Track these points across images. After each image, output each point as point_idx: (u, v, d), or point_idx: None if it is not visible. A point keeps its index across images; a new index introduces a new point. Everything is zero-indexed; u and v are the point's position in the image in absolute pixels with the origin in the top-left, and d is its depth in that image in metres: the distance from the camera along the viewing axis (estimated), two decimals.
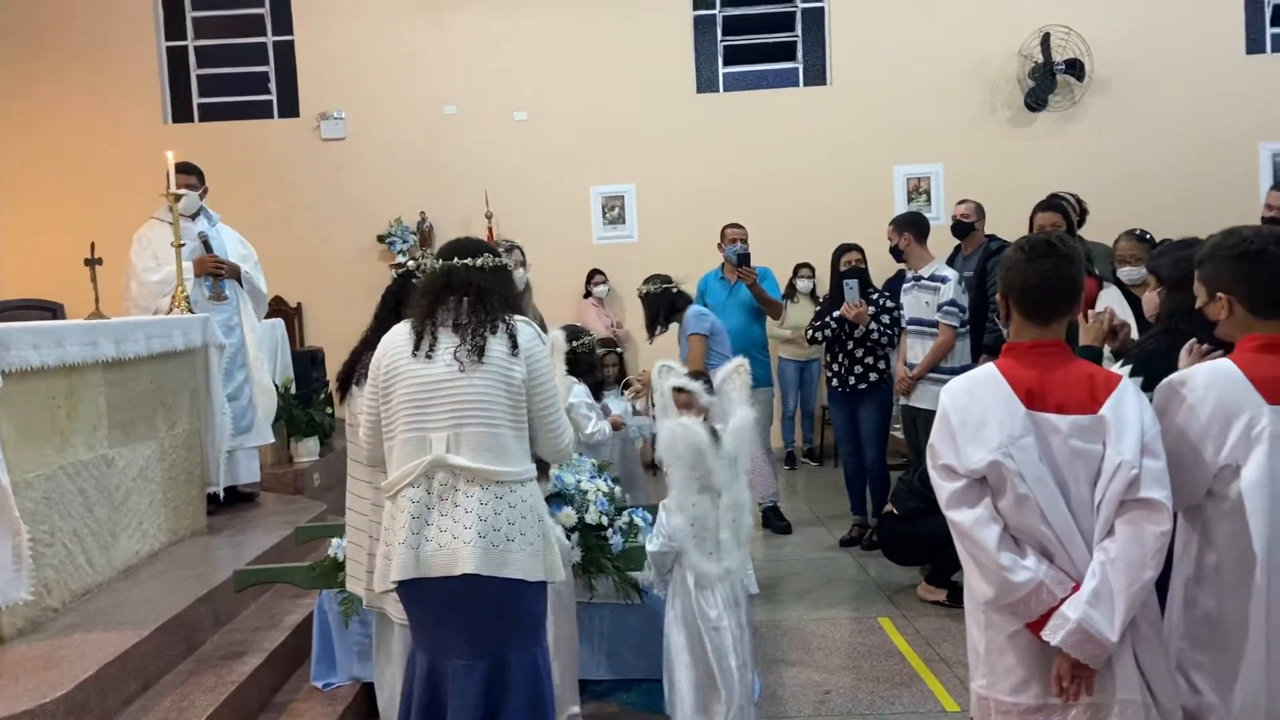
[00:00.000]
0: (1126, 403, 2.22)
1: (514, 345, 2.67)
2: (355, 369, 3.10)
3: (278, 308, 9.09)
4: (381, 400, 2.73)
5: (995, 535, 2.19)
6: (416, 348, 2.67)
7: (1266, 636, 2.19)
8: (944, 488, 2.27)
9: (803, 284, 8.76)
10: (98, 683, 3.08)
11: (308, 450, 6.62)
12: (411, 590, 2.65)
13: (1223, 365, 2.32)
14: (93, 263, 5.12)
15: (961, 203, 6.39)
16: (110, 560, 4.05)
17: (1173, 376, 2.37)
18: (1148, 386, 2.40)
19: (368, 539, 3.04)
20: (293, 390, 6.60)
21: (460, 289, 2.72)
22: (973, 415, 2.24)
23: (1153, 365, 2.66)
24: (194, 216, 5.61)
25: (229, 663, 3.64)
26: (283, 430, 6.55)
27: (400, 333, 2.75)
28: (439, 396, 2.63)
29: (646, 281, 5.78)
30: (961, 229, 6.27)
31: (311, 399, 6.85)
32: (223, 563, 4.36)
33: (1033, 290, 2.30)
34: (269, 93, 9.68)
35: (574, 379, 4.53)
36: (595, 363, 4.82)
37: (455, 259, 2.78)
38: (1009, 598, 2.19)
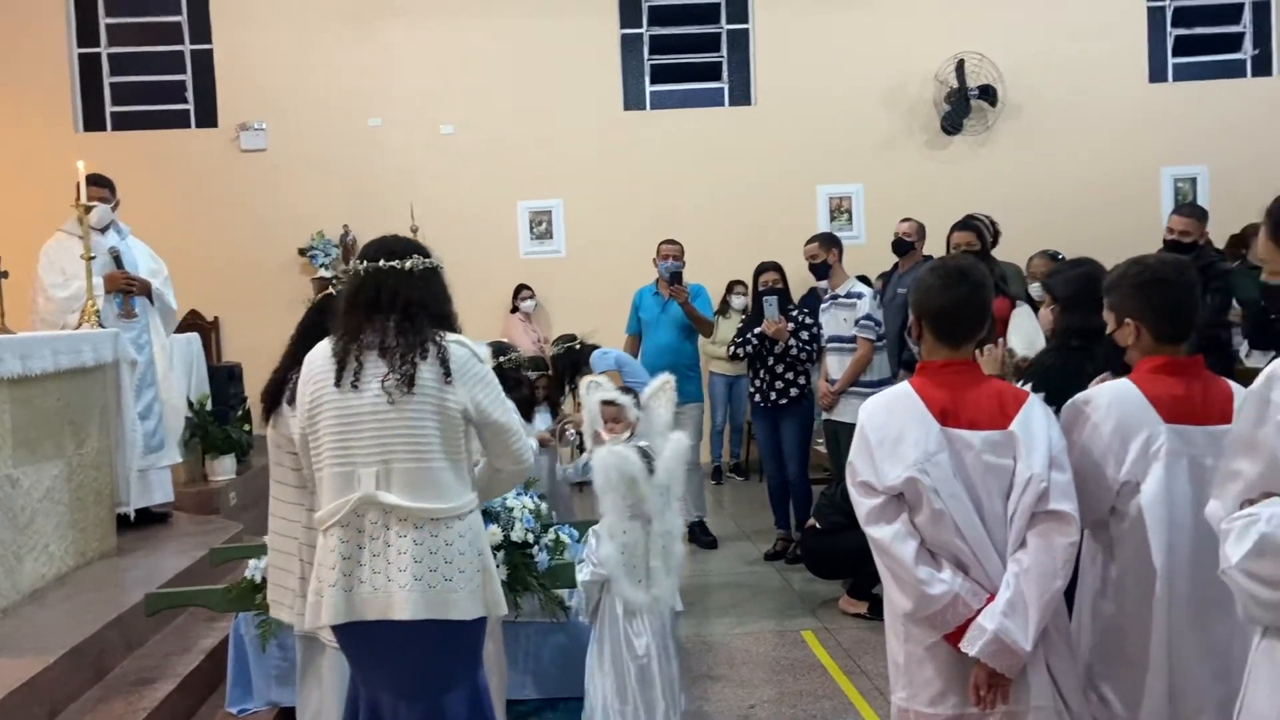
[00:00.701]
0: (1034, 418, 2.31)
1: (446, 372, 2.48)
2: (284, 387, 2.88)
3: (194, 322, 8.87)
4: (308, 428, 2.57)
5: (912, 550, 2.25)
6: (340, 377, 2.48)
7: (1168, 648, 2.29)
8: (862, 504, 2.32)
9: (737, 300, 8.86)
10: (2, 712, 2.96)
11: (224, 468, 6.46)
12: (346, 633, 2.53)
13: (1123, 385, 2.43)
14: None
15: (905, 221, 6.55)
16: (15, 584, 3.90)
17: (1077, 396, 2.47)
18: (1048, 401, 2.50)
19: (297, 562, 2.89)
20: (208, 406, 6.44)
21: (387, 305, 2.51)
22: (889, 433, 2.31)
23: (1049, 380, 2.77)
24: (104, 230, 5.45)
25: (140, 689, 3.54)
26: (198, 448, 6.39)
27: (323, 357, 2.55)
28: (366, 430, 2.46)
29: (553, 344, 5.84)
30: (902, 247, 6.43)
31: (228, 416, 6.69)
32: (133, 585, 4.23)
33: (944, 314, 2.40)
34: (186, 102, 9.45)
35: None
36: (522, 379, 4.81)
37: (381, 260, 2.56)
38: (926, 610, 2.25)
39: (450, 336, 2.56)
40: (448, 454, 2.50)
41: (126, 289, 5.34)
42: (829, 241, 6.17)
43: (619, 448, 3.41)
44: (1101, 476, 2.36)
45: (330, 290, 3.08)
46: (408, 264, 2.56)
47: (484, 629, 2.64)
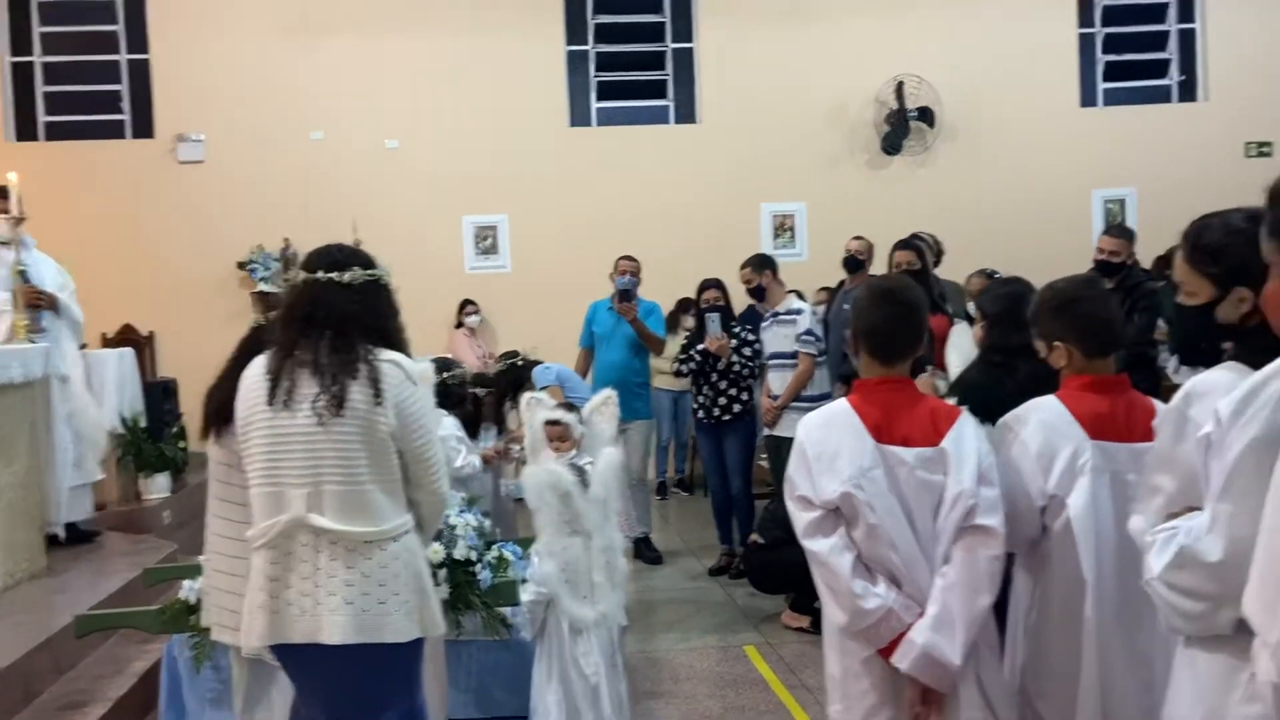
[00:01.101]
0: (965, 435, 2.37)
1: (377, 393, 2.40)
2: (231, 404, 2.70)
3: (128, 336, 8.69)
4: (242, 446, 2.52)
5: (849, 563, 2.29)
6: (272, 395, 2.41)
7: (1098, 661, 2.35)
8: (800, 518, 2.36)
9: (689, 319, 8.90)
10: None
11: (158, 487, 6.32)
12: (279, 654, 2.50)
13: (1049, 402, 2.50)
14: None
15: (856, 239, 6.66)
16: None
17: (1007, 416, 2.54)
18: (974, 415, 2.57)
19: (241, 581, 2.72)
20: (142, 423, 6.30)
21: (322, 320, 2.43)
22: (827, 448, 2.35)
23: (971, 395, 2.83)
24: (8, 243, 5.28)
25: (69, 713, 3.45)
26: (131, 466, 6.24)
27: (257, 374, 2.49)
28: (296, 451, 2.40)
29: (497, 360, 5.85)
30: (853, 264, 6.53)
31: (163, 432, 6.55)
32: (63, 607, 4.12)
33: (879, 334, 2.45)
34: (122, 112, 9.27)
35: (444, 411, 4.48)
36: (465, 396, 4.79)
37: (320, 272, 2.49)
38: (861, 624, 2.28)
39: (384, 355, 2.48)
40: (378, 476, 2.44)
41: (35, 303, 5.13)
42: (760, 264, 6.28)
43: (550, 464, 3.41)
44: (1029, 492, 2.42)
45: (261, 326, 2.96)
46: (347, 276, 2.49)
47: (421, 650, 2.60)
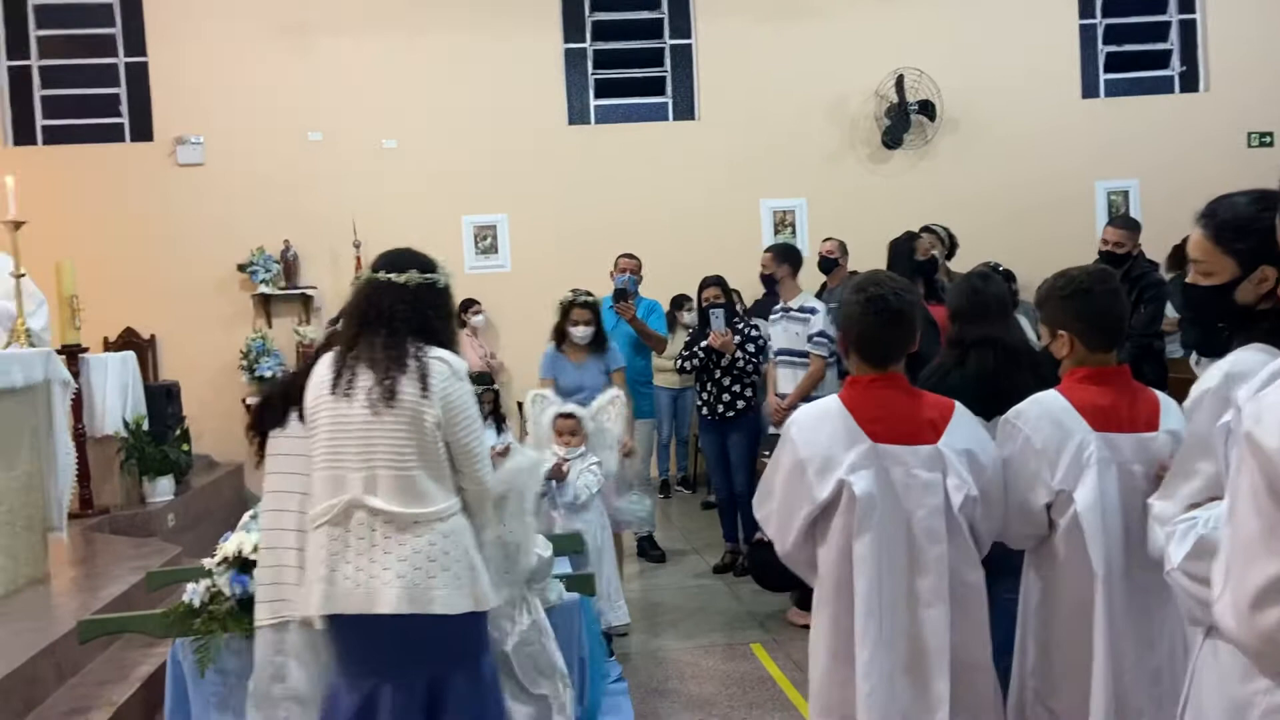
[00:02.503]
0: (958, 433, 2.36)
1: (424, 387, 2.61)
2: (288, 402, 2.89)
3: (130, 340, 8.67)
4: (308, 431, 2.73)
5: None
6: (335, 386, 2.66)
7: (1110, 654, 2.32)
8: (774, 521, 2.41)
9: (687, 316, 8.89)
10: None
11: (161, 490, 6.31)
12: (332, 625, 2.65)
13: (1050, 396, 2.48)
14: None
15: (826, 240, 6.64)
16: None
17: (1009, 413, 2.52)
18: None
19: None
20: (145, 427, 6.28)
21: (377, 319, 2.68)
22: (819, 447, 2.34)
23: (922, 386, 2.80)
24: None
25: (73, 719, 3.43)
26: (133, 469, 6.23)
27: (325, 364, 2.74)
28: (353, 438, 2.63)
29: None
30: (827, 265, 6.49)
31: (166, 435, 6.54)
32: (66, 612, 4.10)
33: (868, 339, 2.44)
34: (120, 115, 9.25)
35: None
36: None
37: (381, 273, 2.74)
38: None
39: (434, 352, 2.67)
40: (426, 463, 2.63)
41: None
42: (783, 255, 6.12)
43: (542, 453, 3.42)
44: (1035, 488, 2.40)
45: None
46: (403, 278, 2.72)
47: (479, 625, 2.75)
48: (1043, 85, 9.55)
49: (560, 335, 5.51)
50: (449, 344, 2.76)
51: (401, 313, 2.68)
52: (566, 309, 5.48)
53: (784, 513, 2.39)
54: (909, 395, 2.43)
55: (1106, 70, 9.86)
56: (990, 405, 2.57)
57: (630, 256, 6.72)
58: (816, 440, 2.34)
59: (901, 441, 2.32)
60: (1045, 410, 2.43)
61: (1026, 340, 3.45)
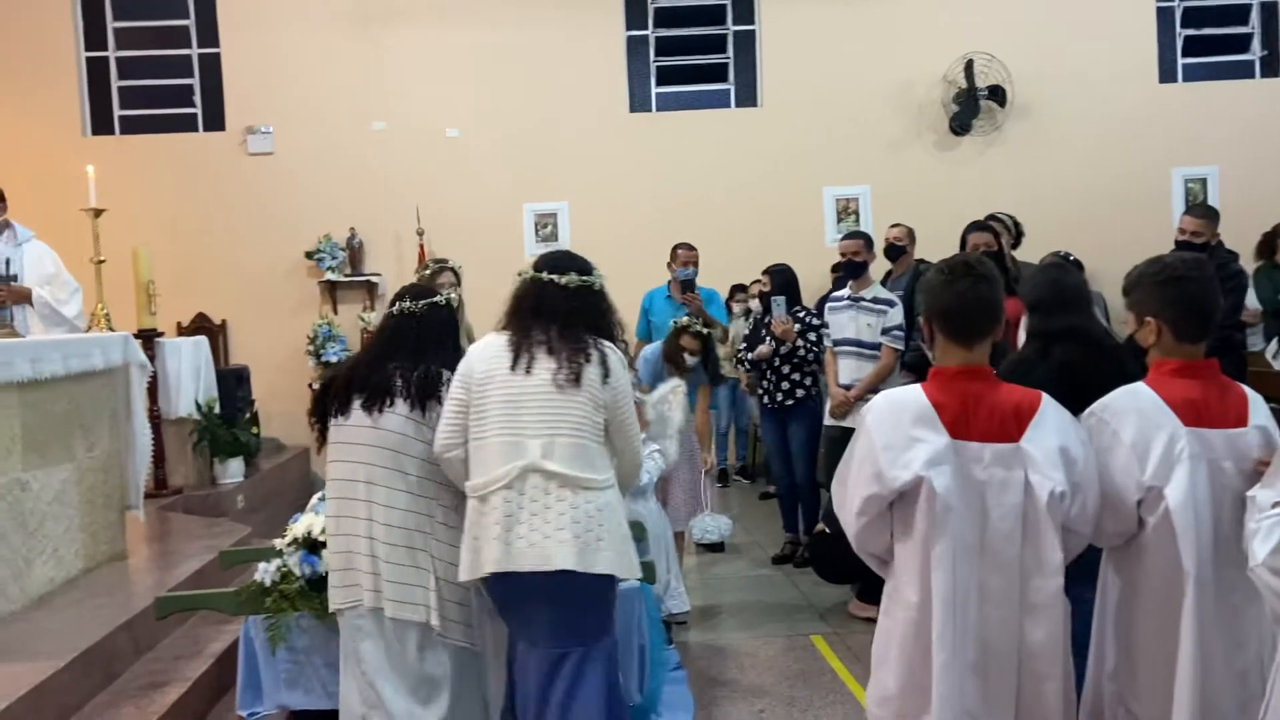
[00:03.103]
0: (1046, 429, 2.28)
1: (605, 373, 2.91)
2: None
3: (201, 325, 8.90)
4: (475, 399, 2.90)
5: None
6: (515, 363, 2.89)
7: (1197, 654, 2.24)
8: (853, 502, 2.35)
9: (750, 305, 8.85)
10: (12, 717, 2.96)
11: (231, 472, 6.47)
12: (504, 583, 2.83)
13: (1140, 390, 2.40)
14: (6, 279, 4.94)
15: (894, 227, 6.52)
16: (24, 589, 3.90)
17: (1094, 406, 2.43)
18: None
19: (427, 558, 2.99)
20: (216, 410, 6.44)
21: (548, 314, 2.95)
22: (897, 438, 2.28)
23: (1015, 377, 2.73)
24: None
25: (150, 693, 3.53)
26: (205, 451, 6.39)
27: (496, 344, 2.96)
28: (534, 407, 2.86)
29: None
30: (894, 252, 6.38)
31: (236, 418, 6.70)
32: (143, 588, 4.23)
33: (953, 313, 2.35)
34: (194, 106, 9.47)
35: None
36: None
37: (544, 273, 3.02)
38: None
39: (606, 345, 2.99)
40: (595, 438, 2.92)
41: None
42: (871, 244, 6.01)
43: None
44: (1126, 484, 2.32)
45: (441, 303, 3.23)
46: (563, 279, 3.00)
47: (616, 590, 2.99)
48: (1118, 70, 9.29)
49: (672, 356, 5.44)
50: (614, 338, 3.05)
51: (571, 309, 2.97)
52: (679, 333, 5.40)
53: (857, 502, 2.33)
54: (994, 389, 2.34)
55: (1185, 54, 9.54)
56: (1075, 398, 2.47)
57: (689, 247, 6.68)
58: (893, 430, 2.28)
59: (982, 438, 2.25)
60: (1135, 403, 2.35)
61: (1108, 331, 3.37)
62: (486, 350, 2.96)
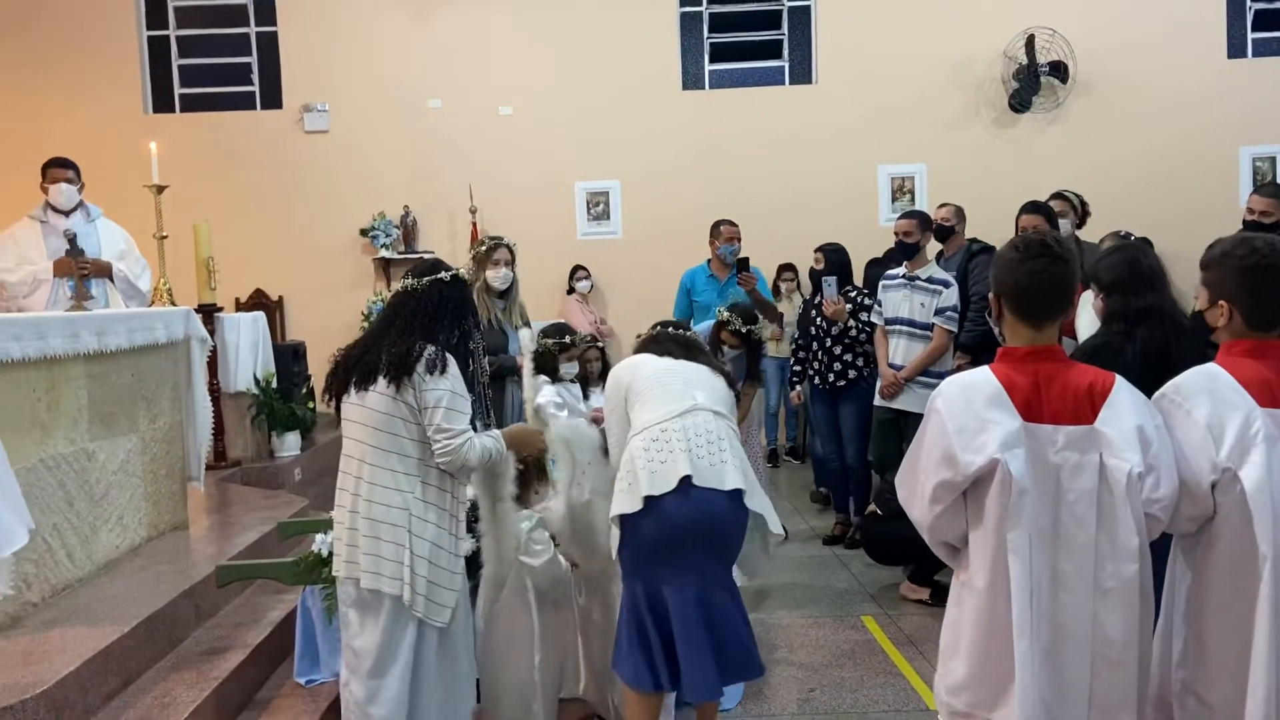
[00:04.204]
0: (1121, 409, 2.22)
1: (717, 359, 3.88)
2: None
3: (259, 301, 9.05)
4: (631, 376, 3.48)
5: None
6: (660, 355, 3.59)
7: (1273, 642, 2.17)
8: (926, 489, 2.28)
9: (795, 285, 8.78)
10: (78, 679, 3.04)
11: (288, 445, 6.57)
12: (677, 498, 3.13)
13: (1211, 370, 2.32)
14: (75, 253, 5.04)
15: (942, 206, 6.41)
16: (90, 555, 4.01)
17: (1165, 387, 2.36)
18: None
19: (405, 533, 2.97)
20: (274, 384, 6.55)
21: (667, 346, 3.65)
22: (969, 421, 2.22)
23: (1090, 363, 2.67)
24: (70, 212, 5.42)
25: (211, 659, 3.61)
26: (264, 424, 6.50)
27: (646, 354, 3.64)
28: (688, 373, 3.48)
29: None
30: (943, 232, 6.28)
31: (293, 393, 6.80)
32: (204, 558, 4.32)
33: (1025, 291, 2.28)
34: (252, 84, 9.60)
35: (544, 378, 4.57)
36: (555, 366, 4.80)
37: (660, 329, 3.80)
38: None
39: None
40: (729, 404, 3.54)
41: (80, 272, 4.98)
42: (927, 224, 5.93)
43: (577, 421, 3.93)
44: (1202, 466, 2.25)
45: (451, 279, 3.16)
46: (678, 331, 3.80)
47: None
48: (1185, 45, 9.02)
49: (713, 346, 5.38)
50: None
51: (688, 344, 3.69)
52: (720, 326, 5.31)
53: (930, 490, 2.27)
54: (1066, 369, 2.27)
55: (1254, 29, 9.24)
56: (1160, 379, 2.39)
57: (732, 224, 6.51)
58: (965, 412, 2.22)
59: (1055, 420, 2.19)
60: (1208, 384, 2.28)
61: (1184, 311, 3.27)
62: (641, 359, 3.62)
